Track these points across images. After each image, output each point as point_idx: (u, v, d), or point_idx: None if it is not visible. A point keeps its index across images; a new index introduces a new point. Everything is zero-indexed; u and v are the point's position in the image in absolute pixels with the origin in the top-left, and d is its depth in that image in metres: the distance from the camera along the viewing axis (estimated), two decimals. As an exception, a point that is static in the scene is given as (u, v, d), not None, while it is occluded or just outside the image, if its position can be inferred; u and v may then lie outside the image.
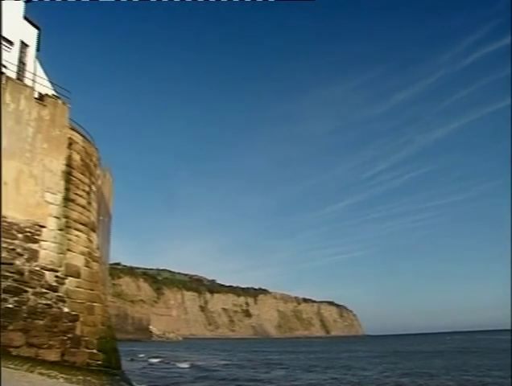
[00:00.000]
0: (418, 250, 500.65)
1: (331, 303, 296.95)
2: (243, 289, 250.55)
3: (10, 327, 17.80)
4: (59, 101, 22.93)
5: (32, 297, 18.87)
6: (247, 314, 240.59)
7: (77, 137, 23.30)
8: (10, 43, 24.33)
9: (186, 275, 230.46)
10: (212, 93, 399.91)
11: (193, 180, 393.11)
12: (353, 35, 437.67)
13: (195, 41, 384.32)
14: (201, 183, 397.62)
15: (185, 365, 43.18)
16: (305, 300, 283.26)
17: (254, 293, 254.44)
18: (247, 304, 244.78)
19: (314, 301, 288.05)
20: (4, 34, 23.82)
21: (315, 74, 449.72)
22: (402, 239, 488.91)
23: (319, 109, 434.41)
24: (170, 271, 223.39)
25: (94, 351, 20.39)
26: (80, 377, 17.48)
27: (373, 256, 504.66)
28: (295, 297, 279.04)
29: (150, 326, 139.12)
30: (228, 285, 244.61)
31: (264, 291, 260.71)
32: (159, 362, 47.73)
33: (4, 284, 18.23)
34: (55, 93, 24.29)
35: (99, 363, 20.31)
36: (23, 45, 25.46)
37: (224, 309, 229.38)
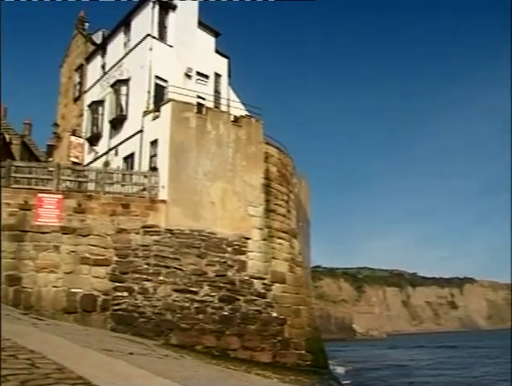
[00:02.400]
0: None
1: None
2: (447, 279, 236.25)
3: (227, 332, 19.47)
4: (253, 120, 24.10)
5: (244, 304, 20.31)
6: (453, 305, 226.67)
7: (272, 150, 24.15)
8: (206, 76, 26.61)
9: (386, 271, 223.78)
10: (398, 88, 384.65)
11: (386, 174, 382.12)
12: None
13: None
14: (395, 175, 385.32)
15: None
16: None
17: (459, 282, 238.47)
18: (452, 295, 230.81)
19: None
20: (200, 70, 26.15)
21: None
22: None
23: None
24: (370, 268, 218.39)
25: (302, 351, 21.16)
26: (292, 377, 18.21)
27: None
28: (506, 284, 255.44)
29: (354, 325, 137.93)
30: (430, 276, 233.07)
31: (470, 280, 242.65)
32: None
33: (219, 294, 19.96)
34: (248, 113, 25.77)
35: (308, 363, 21.02)
36: (217, 76, 27.73)
37: (427, 302, 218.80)
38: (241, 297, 20.36)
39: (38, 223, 19.58)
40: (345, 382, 24.18)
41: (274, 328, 20.66)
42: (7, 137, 43.00)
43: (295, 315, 21.72)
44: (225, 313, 19.81)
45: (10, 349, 6.27)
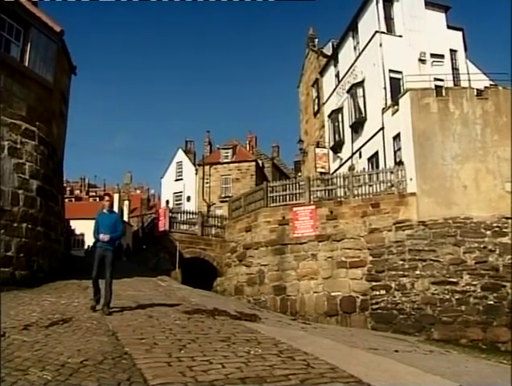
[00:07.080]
0: None
1: None
2: None
3: (495, 323, 17.64)
4: (500, 88, 21.40)
5: (511, 291, 18.13)
6: None
7: (527, 115, 21.09)
8: (441, 56, 24.40)
9: None
10: None
11: None
12: None
13: None
14: None
15: None
16: None
17: None
18: None
19: None
20: (434, 51, 24.05)
21: None
22: None
23: None
24: None
25: None
26: None
27: None
28: None
29: None
30: None
31: None
32: None
33: (482, 282, 18.22)
34: (493, 83, 22.85)
35: None
36: (452, 52, 25.26)
37: None
38: (506, 284, 18.19)
39: (295, 235, 20.77)
40: None
41: (554, 316, 17.96)
42: (260, 162, 46.93)
43: None
44: (490, 302, 17.96)
45: (286, 351, 6.56)
